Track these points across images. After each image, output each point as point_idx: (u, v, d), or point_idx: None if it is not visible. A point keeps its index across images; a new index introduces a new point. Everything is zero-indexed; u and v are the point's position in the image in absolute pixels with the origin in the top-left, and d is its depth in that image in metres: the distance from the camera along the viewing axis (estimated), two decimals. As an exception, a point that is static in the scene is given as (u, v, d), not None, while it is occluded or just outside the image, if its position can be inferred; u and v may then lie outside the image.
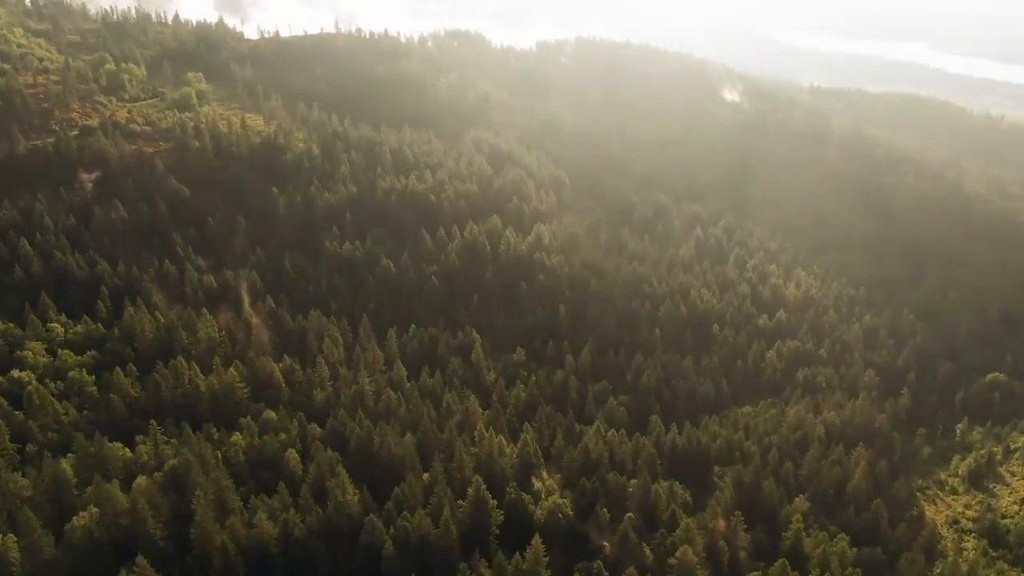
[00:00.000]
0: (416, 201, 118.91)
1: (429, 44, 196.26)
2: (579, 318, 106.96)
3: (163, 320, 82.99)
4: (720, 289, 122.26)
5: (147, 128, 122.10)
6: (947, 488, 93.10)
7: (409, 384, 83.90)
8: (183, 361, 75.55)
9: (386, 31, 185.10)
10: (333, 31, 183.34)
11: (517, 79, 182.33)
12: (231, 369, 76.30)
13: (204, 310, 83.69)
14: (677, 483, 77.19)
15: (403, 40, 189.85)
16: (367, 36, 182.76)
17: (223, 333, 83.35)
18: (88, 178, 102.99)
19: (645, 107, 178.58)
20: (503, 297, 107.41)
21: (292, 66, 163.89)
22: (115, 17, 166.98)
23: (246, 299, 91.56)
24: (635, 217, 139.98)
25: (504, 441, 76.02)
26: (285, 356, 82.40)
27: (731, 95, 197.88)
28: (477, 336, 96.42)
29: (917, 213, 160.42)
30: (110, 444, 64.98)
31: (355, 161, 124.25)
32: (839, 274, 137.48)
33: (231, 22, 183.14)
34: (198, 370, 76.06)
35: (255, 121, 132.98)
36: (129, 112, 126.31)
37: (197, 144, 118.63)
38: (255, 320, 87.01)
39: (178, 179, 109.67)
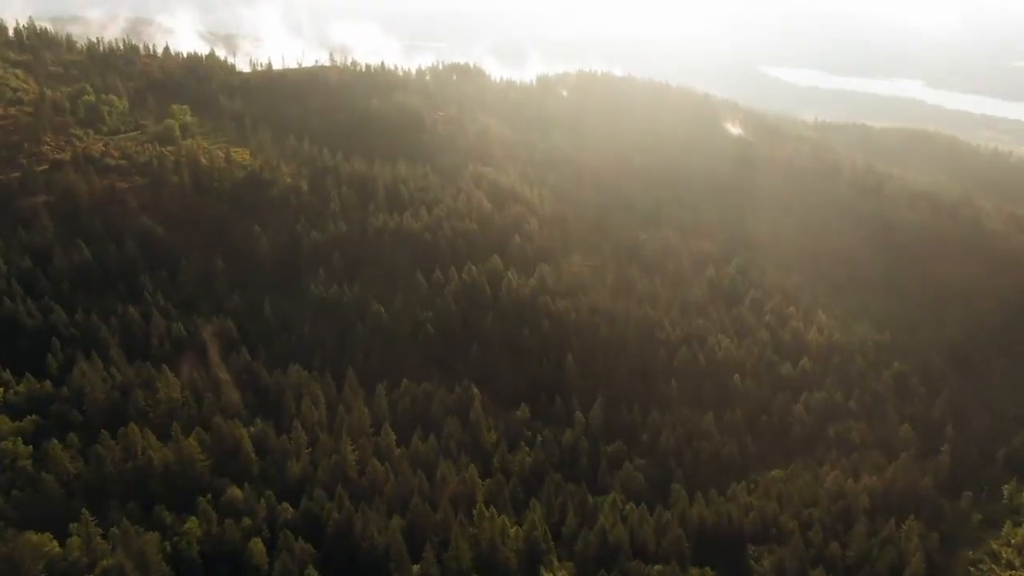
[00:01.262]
0: (410, 240, 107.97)
1: (427, 78, 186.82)
2: (588, 368, 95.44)
3: (119, 377, 71.40)
4: (738, 334, 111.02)
5: (123, 162, 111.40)
6: (1002, 562, 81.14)
7: (399, 450, 72.11)
8: (135, 428, 63.75)
9: (382, 63, 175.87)
10: (327, 64, 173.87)
11: (518, 113, 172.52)
12: (191, 437, 64.51)
13: (165, 367, 71.89)
14: (709, 569, 65.23)
15: (400, 73, 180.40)
16: (362, 69, 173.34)
17: (186, 393, 71.64)
18: (34, 202, 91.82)
19: (649, 141, 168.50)
20: (504, 345, 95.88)
21: (284, 98, 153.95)
22: (101, 49, 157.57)
23: (217, 351, 80.00)
24: (643, 255, 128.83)
25: (508, 520, 64.10)
26: (258, 419, 70.67)
27: (736, 129, 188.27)
28: (476, 391, 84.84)
29: (936, 251, 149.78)
30: (36, 536, 52.90)
31: (346, 197, 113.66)
32: (861, 316, 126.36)
33: (223, 55, 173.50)
34: (153, 438, 64.25)
35: (241, 155, 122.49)
36: (105, 145, 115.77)
37: (175, 179, 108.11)
38: (225, 376, 75.40)
39: (152, 217, 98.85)
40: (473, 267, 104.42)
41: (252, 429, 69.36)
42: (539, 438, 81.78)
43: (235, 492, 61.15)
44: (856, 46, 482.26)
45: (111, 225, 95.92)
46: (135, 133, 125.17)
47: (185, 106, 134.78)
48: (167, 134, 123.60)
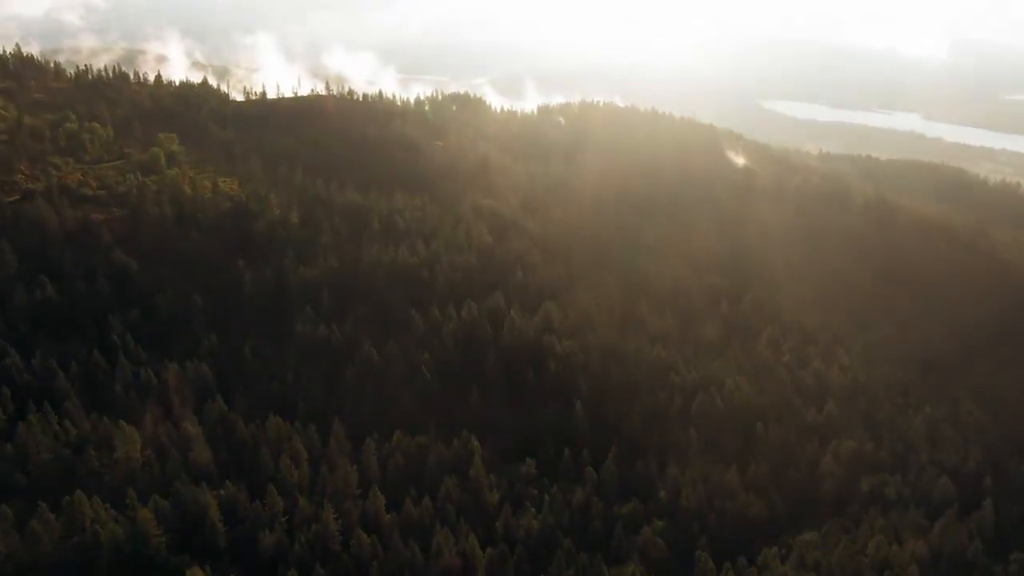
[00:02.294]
0: (406, 275, 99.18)
1: (426, 107, 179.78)
2: (598, 416, 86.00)
3: (73, 432, 62.04)
4: (757, 376, 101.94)
5: (101, 192, 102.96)
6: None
7: (389, 516, 62.51)
8: (83, 496, 54.22)
9: (380, 93, 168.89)
10: (323, 93, 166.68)
11: (519, 143, 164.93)
12: (148, 506, 54.94)
13: (122, 422, 62.43)
14: (746, 660, 55.48)
15: (398, 103, 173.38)
16: (359, 98, 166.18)
17: (148, 452, 62.19)
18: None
19: (654, 172, 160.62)
20: (507, 391, 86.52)
21: (277, 127, 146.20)
22: (90, 77, 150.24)
23: (189, 400, 70.68)
24: (652, 291, 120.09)
25: (513, 602, 54.49)
26: (228, 482, 61.08)
27: (743, 160, 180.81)
28: (476, 443, 75.42)
29: (955, 285, 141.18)
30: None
31: (338, 229, 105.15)
32: (884, 355, 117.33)
33: (216, 84, 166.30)
34: (103, 508, 54.72)
35: (229, 185, 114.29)
36: (84, 175, 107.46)
37: (156, 210, 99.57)
38: (195, 430, 65.94)
39: (127, 251, 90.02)
40: (473, 304, 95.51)
41: (222, 492, 59.79)
42: (546, 497, 72.13)
43: (195, 574, 51.44)
44: (853, 80, 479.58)
45: (81, 259, 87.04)
46: (118, 162, 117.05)
47: (172, 134, 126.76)
48: (152, 163, 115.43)
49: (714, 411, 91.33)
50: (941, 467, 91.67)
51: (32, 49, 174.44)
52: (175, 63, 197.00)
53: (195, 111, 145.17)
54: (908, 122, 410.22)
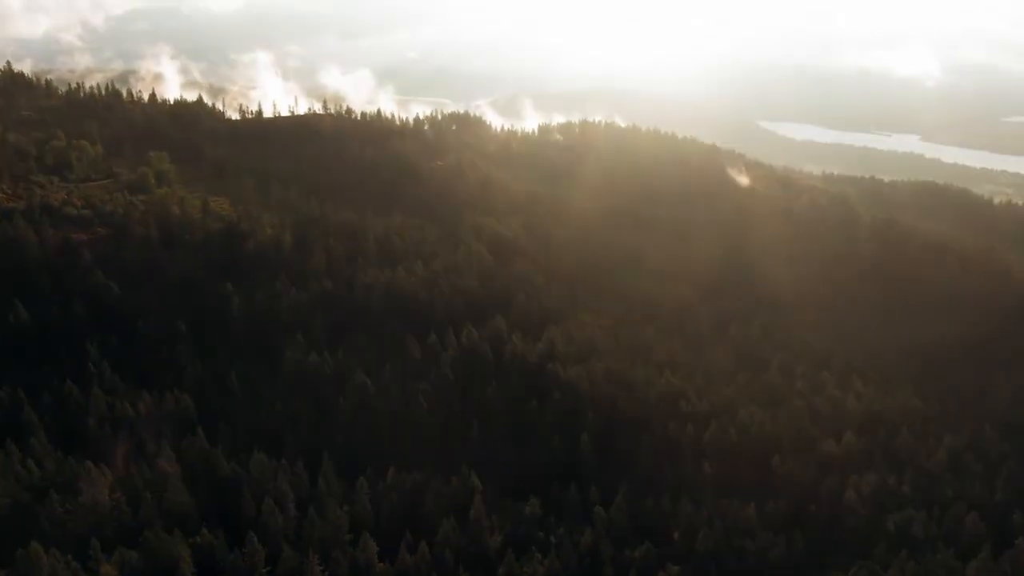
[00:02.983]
0: (403, 299, 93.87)
1: (425, 127, 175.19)
2: (607, 449, 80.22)
3: (37, 473, 56.31)
4: (770, 404, 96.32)
5: (85, 212, 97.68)
6: None
7: (381, 566, 56.60)
8: (39, 549, 48.38)
9: (379, 111, 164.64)
10: (320, 112, 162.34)
11: (520, 162, 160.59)
12: (113, 559, 49.11)
13: (89, 463, 56.64)
14: None
15: (397, 123, 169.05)
16: (357, 118, 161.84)
17: (117, 495, 56.38)
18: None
19: (658, 193, 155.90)
20: (510, 422, 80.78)
21: (273, 147, 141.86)
22: (82, 95, 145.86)
23: (167, 435, 64.95)
24: (659, 315, 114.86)
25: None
26: (206, 528, 55.22)
27: (748, 181, 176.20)
28: (477, 481, 69.65)
29: (969, 307, 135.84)
30: None
31: (333, 251, 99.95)
32: (900, 382, 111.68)
33: (212, 102, 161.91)
34: (62, 563, 48.84)
35: (220, 205, 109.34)
36: (68, 194, 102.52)
37: (141, 231, 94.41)
38: (172, 468, 60.18)
39: (108, 273, 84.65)
40: (473, 329, 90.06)
41: (198, 540, 53.94)
42: (552, 539, 66.29)
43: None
44: (851, 102, 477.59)
45: (60, 282, 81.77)
46: (106, 181, 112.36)
47: (164, 153, 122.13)
48: (141, 182, 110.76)
49: (728, 443, 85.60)
50: (968, 502, 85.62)
51: (29, 69, 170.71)
52: (171, 82, 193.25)
53: (189, 130, 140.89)
54: (907, 143, 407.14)
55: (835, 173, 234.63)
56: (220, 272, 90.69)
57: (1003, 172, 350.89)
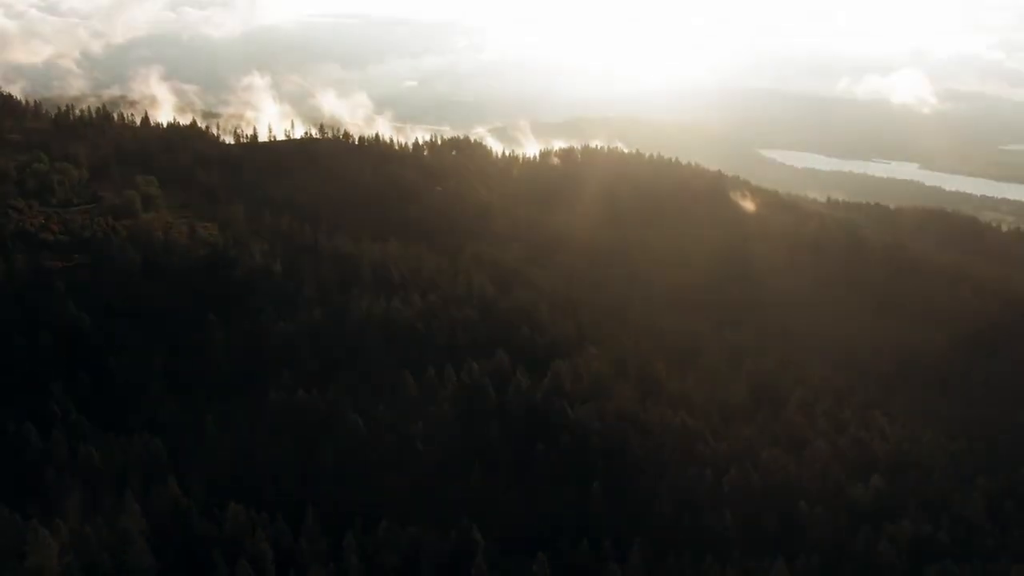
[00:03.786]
0: (399, 331, 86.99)
1: (425, 153, 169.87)
2: (620, 498, 72.74)
3: (-21, 534, 49.03)
4: (792, 446, 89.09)
5: (63, 238, 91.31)
6: None
7: (370, 640, 49.22)
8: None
9: (377, 136, 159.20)
10: (317, 136, 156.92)
11: (522, 189, 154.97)
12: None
13: (35, 522, 49.26)
14: None
15: (396, 147, 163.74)
16: (354, 142, 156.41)
17: (68, 559, 49.00)
18: None
19: (664, 220, 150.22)
20: (513, 468, 73.37)
21: (267, 171, 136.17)
22: (71, 118, 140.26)
23: (135, 484, 57.64)
24: (669, 347, 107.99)
25: None
26: (169, 597, 48.01)
27: (753, 207, 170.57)
28: (478, 535, 62.23)
29: (992, 339, 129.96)
30: None
31: (325, 279, 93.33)
32: (925, 419, 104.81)
33: (206, 125, 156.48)
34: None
35: (208, 230, 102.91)
36: (47, 219, 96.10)
37: (121, 257, 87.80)
38: (137, 525, 52.82)
39: (82, 303, 77.81)
40: (474, 364, 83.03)
41: (159, 613, 46.62)
42: (562, 603, 58.84)
43: None
44: (849, 130, 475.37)
45: (28, 313, 74.88)
46: (89, 206, 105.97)
47: (152, 177, 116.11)
48: (126, 207, 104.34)
49: (750, 489, 78.21)
50: (1012, 552, 78.43)
51: (20, 92, 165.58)
52: (165, 105, 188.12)
53: (181, 153, 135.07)
54: (906, 171, 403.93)
55: (840, 200, 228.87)
56: (204, 302, 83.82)
57: (1004, 200, 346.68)
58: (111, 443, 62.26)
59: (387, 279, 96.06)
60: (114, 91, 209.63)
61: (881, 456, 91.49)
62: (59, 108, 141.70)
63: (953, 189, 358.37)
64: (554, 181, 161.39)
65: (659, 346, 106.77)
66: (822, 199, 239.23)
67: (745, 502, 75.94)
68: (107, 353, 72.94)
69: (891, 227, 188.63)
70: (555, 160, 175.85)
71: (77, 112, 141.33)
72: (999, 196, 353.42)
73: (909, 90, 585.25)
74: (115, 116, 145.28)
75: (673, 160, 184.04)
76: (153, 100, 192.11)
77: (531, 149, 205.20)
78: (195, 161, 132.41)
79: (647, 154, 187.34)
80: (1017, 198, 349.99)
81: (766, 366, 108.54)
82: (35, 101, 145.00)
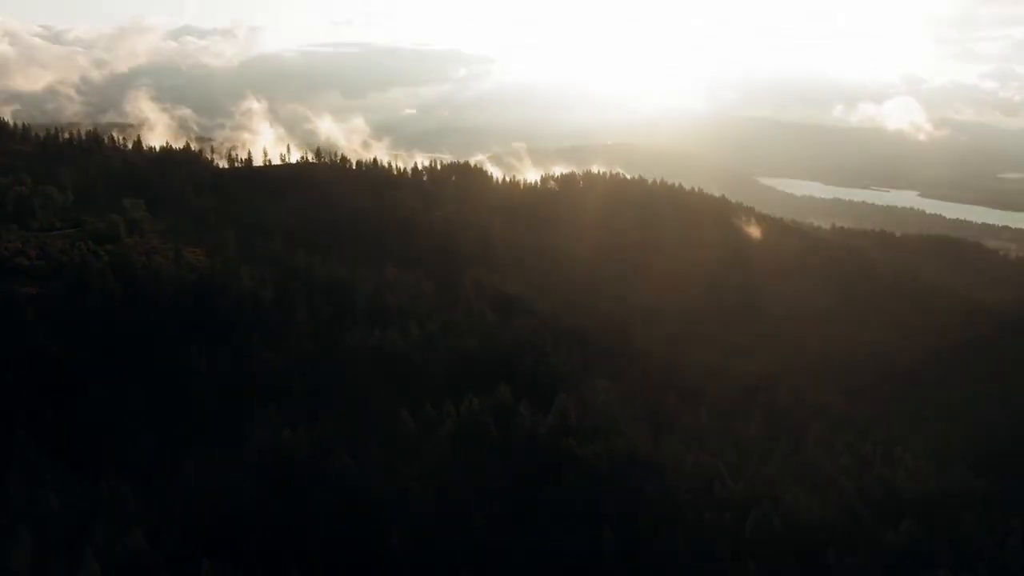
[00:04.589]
0: (395, 362, 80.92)
1: (424, 178, 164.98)
2: (633, 544, 66.35)
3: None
4: (814, 484, 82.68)
5: (39, 263, 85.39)
6: None
7: None
8: None
9: (375, 160, 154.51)
10: (313, 160, 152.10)
11: (523, 214, 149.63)
12: None
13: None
14: None
15: (394, 172, 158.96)
16: (352, 167, 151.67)
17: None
18: None
19: (669, 246, 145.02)
20: (518, 512, 66.98)
21: (261, 195, 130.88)
22: (60, 140, 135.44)
23: (98, 536, 51.23)
24: (679, 379, 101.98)
25: None
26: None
27: (759, 234, 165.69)
28: (481, 592, 55.89)
29: (1006, 368, 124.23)
30: None
31: (317, 308, 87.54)
32: (948, 454, 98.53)
33: (199, 148, 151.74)
34: None
35: (195, 256, 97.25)
36: (24, 243, 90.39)
37: (101, 284, 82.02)
38: (95, 587, 46.41)
39: (54, 333, 72.03)
40: (475, 399, 76.96)
41: None
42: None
43: None
44: (846, 159, 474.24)
45: (-6, 344, 68.91)
46: (72, 230, 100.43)
47: (139, 201, 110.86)
48: (110, 231, 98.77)
49: (773, 534, 71.67)
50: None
51: (10, 115, 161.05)
52: (159, 129, 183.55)
53: (172, 177, 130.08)
54: (906, 199, 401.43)
55: (844, 227, 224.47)
56: (187, 332, 77.99)
57: (1006, 228, 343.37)
58: (74, 487, 55.87)
59: (383, 307, 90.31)
60: (110, 116, 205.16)
61: (909, 496, 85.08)
62: (47, 130, 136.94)
63: (954, 217, 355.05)
64: (556, 207, 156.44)
65: (668, 377, 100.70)
66: (825, 226, 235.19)
67: (767, 548, 69.32)
68: (78, 386, 66.80)
69: (900, 254, 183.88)
70: (557, 185, 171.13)
71: (66, 135, 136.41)
72: (1000, 224, 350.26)
73: (903, 117, 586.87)
74: (105, 139, 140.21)
75: (676, 186, 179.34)
76: (147, 124, 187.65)
77: (530, 176, 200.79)
78: (187, 185, 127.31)
79: (650, 179, 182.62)
80: (1018, 226, 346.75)
81: (780, 398, 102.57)
82: (23, 124, 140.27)
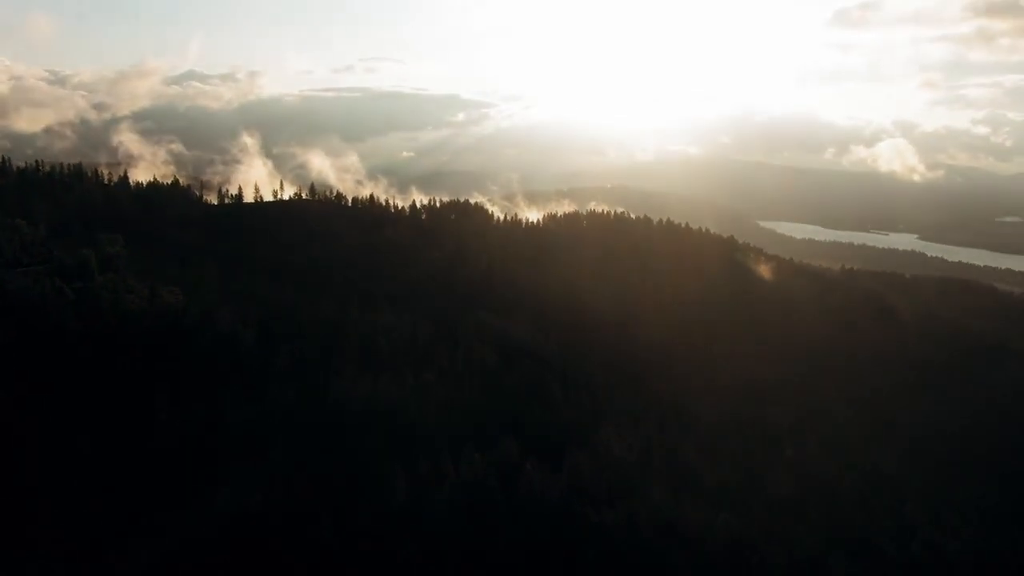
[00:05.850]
0: (388, 414, 71.71)
1: (423, 216, 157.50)
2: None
3: None
4: (858, 551, 73.27)
5: (-3, 302, 77.00)
6: None
7: None
8: None
9: (371, 196, 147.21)
10: (307, 197, 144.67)
11: (526, 254, 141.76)
12: None
13: None
14: None
15: (391, 210, 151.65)
16: (347, 204, 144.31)
17: None
18: None
19: (679, 287, 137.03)
20: (528, 590, 57.60)
21: (249, 232, 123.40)
22: (40, 172, 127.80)
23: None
24: (697, 429, 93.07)
25: None
26: None
27: (769, 274, 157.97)
28: None
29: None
30: None
31: (302, 351, 78.57)
32: (996, 515, 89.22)
33: (187, 183, 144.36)
34: None
35: (172, 295, 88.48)
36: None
37: (61, 325, 73.20)
38: None
39: (4, 380, 62.86)
40: (476, 455, 67.78)
41: None
42: None
43: None
44: (844, 202, 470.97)
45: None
46: (39, 267, 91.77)
47: (117, 236, 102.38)
48: (81, 267, 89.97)
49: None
50: None
51: (3, 152, 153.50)
52: (150, 165, 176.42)
53: (157, 213, 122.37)
54: (906, 242, 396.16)
55: (853, 268, 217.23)
56: (149, 379, 68.79)
57: (1009, 271, 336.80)
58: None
59: (376, 351, 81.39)
60: (101, 156, 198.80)
61: (959, 562, 75.83)
62: (26, 163, 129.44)
63: (956, 260, 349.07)
64: (560, 246, 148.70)
65: (686, 428, 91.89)
66: (834, 268, 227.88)
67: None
68: (15, 446, 57.42)
69: (915, 296, 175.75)
70: (560, 224, 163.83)
71: (47, 168, 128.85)
72: (1003, 267, 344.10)
73: (896, 159, 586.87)
74: (89, 173, 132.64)
75: (683, 226, 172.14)
76: (136, 161, 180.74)
77: (532, 215, 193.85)
78: (172, 221, 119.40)
79: (655, 220, 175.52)
80: (1021, 268, 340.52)
81: (808, 450, 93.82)
82: (5, 157, 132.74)
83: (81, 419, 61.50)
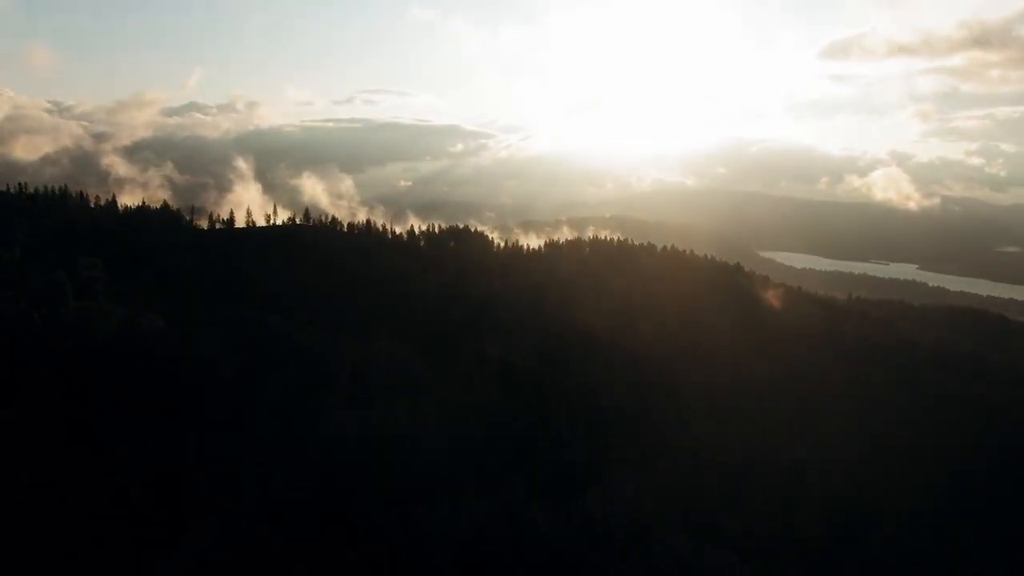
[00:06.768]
0: (381, 451, 65.20)
1: (421, 243, 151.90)
2: None
3: None
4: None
5: (-44, 328, 70.77)
6: None
7: None
8: None
9: (368, 221, 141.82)
10: (301, 222, 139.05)
11: (528, 281, 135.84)
12: None
13: None
14: None
15: (388, 235, 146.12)
16: (343, 228, 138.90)
17: None
18: None
19: (689, 315, 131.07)
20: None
21: (240, 257, 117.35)
22: (23, 194, 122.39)
23: None
24: (717, 469, 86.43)
25: None
26: None
27: (778, 303, 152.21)
28: None
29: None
30: None
31: (290, 381, 72.29)
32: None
33: (179, 207, 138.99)
34: None
35: (155, 321, 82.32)
36: (-53, 305, 75.65)
37: (27, 354, 66.89)
38: None
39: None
40: (479, 497, 61.13)
41: None
42: None
43: None
44: (842, 232, 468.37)
45: None
46: (7, 292, 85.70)
47: (98, 260, 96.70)
48: (54, 293, 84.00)
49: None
50: None
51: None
52: (140, 189, 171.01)
53: (142, 236, 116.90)
54: (906, 272, 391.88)
55: (861, 296, 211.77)
56: (121, 411, 62.38)
57: (1012, 300, 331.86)
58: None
59: (368, 381, 75.05)
60: (92, 182, 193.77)
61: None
62: (7, 185, 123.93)
63: (957, 290, 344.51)
64: (562, 272, 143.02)
65: (705, 467, 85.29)
66: (840, 296, 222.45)
67: None
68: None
69: (927, 325, 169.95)
70: (562, 251, 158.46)
71: (30, 191, 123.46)
72: (1005, 296, 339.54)
73: (891, 187, 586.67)
74: (73, 195, 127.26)
75: (688, 253, 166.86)
76: (124, 184, 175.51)
77: (532, 242, 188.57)
78: (159, 245, 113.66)
79: (659, 246, 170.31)
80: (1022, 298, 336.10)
81: (834, 488, 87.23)
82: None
83: (44, 462, 54.88)
